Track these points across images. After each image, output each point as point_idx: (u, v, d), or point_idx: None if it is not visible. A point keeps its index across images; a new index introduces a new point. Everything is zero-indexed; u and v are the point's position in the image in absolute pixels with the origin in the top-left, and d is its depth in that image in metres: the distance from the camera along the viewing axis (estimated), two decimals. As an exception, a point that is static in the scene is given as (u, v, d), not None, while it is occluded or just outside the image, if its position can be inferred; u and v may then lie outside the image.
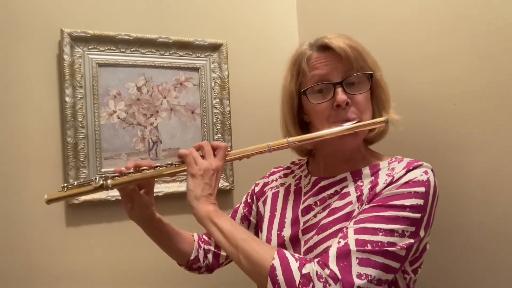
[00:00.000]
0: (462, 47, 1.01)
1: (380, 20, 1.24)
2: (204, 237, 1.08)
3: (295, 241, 0.87)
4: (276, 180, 1.04)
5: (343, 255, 0.70)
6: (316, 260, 0.72)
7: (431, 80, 1.09)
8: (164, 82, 1.44)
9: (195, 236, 1.07)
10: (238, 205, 1.10)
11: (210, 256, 1.05)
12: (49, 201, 0.87)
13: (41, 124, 1.29)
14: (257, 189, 1.07)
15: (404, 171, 0.78)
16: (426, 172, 0.78)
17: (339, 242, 0.73)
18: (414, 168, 0.79)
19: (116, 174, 0.89)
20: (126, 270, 1.37)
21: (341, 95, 0.83)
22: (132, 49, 1.39)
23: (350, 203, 0.82)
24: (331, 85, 0.84)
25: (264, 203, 1.01)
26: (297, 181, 0.98)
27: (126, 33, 1.37)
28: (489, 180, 0.96)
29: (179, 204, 1.38)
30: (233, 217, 1.08)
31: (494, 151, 0.95)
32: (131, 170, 0.89)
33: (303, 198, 0.92)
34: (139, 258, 1.38)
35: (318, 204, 0.88)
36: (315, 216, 0.86)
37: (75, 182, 0.88)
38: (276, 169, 1.09)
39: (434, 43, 1.08)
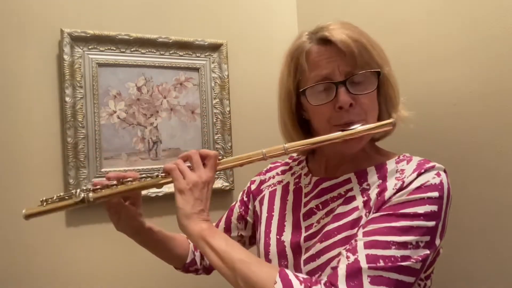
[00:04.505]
0: (463, 48, 1.01)
1: (381, 21, 1.24)
2: None
3: (296, 248, 0.81)
4: (273, 177, 0.97)
5: (354, 273, 0.65)
6: (323, 281, 0.66)
7: (431, 80, 1.09)
8: (164, 82, 1.44)
9: None
10: (233, 204, 1.04)
11: None
12: (28, 216, 0.81)
13: (41, 124, 1.29)
14: (253, 187, 1.00)
15: (415, 175, 0.72)
16: (438, 174, 0.72)
17: (348, 258, 0.67)
18: (426, 170, 0.72)
19: (98, 186, 0.83)
20: (126, 270, 1.37)
21: (344, 97, 0.75)
22: (132, 49, 1.39)
23: (356, 209, 0.76)
24: (333, 85, 0.76)
25: (261, 202, 0.95)
26: (297, 180, 0.91)
27: (126, 33, 1.37)
28: (489, 180, 0.96)
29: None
30: (229, 216, 1.03)
31: (494, 151, 0.95)
32: (114, 182, 0.83)
33: (304, 200, 0.86)
34: (139, 258, 1.38)
35: (321, 208, 0.81)
36: (318, 222, 0.80)
37: (55, 196, 0.82)
38: (272, 165, 1.02)
39: (434, 44, 1.08)
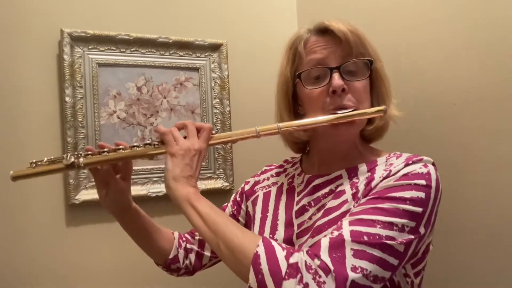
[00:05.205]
0: (462, 47, 1.01)
1: (381, 21, 1.24)
2: (187, 235, 1.02)
3: (289, 245, 0.81)
4: (268, 179, 0.98)
5: (337, 245, 0.64)
6: (305, 249, 0.66)
7: (431, 80, 1.09)
8: (164, 82, 1.44)
9: (176, 234, 1.01)
10: (226, 204, 1.05)
11: (192, 256, 0.99)
12: (15, 178, 0.80)
13: (41, 124, 1.29)
14: (247, 187, 1.01)
15: (402, 165, 0.73)
16: (425, 166, 0.73)
17: (332, 233, 0.67)
18: (414, 162, 0.74)
19: (90, 152, 0.81)
20: (126, 270, 1.37)
21: (337, 80, 0.78)
22: (132, 49, 1.39)
23: (346, 201, 0.77)
24: (328, 70, 0.79)
25: (254, 203, 0.95)
26: (290, 180, 0.92)
27: (126, 33, 1.37)
28: (489, 180, 0.96)
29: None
30: None
31: (494, 151, 0.95)
32: (106, 150, 0.81)
33: (296, 198, 0.87)
34: (139, 258, 1.38)
35: (313, 204, 0.82)
36: (310, 218, 0.81)
37: (45, 159, 0.80)
38: (268, 168, 1.03)
39: (434, 43, 1.08)
